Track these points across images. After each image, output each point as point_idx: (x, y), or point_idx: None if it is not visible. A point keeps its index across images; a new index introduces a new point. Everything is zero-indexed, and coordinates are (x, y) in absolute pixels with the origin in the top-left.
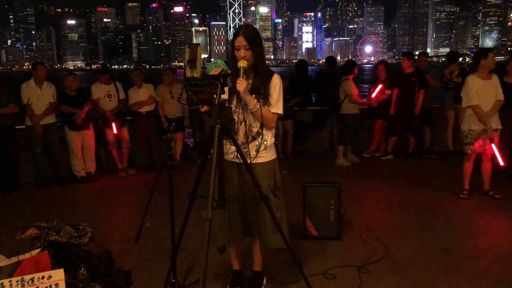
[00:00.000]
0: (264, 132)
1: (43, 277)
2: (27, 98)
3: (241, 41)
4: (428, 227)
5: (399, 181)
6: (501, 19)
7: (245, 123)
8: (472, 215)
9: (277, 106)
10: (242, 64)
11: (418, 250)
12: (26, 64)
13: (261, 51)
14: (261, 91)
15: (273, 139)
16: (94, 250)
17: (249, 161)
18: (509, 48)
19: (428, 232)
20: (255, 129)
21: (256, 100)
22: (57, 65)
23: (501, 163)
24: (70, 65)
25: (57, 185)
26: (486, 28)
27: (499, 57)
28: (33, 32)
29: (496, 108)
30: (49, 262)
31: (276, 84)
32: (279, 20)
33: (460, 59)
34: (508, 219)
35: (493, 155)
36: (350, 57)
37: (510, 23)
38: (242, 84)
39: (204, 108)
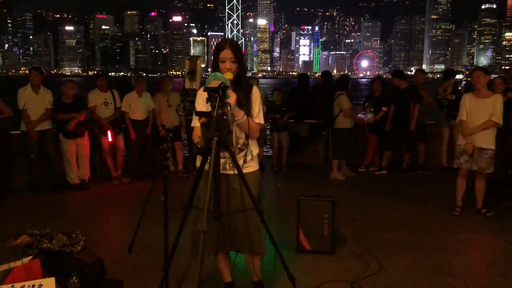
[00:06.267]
0: (249, 142)
1: (33, 285)
2: (23, 103)
3: (227, 53)
4: (421, 243)
5: (393, 196)
6: (495, 38)
7: (233, 135)
8: (464, 232)
9: (259, 116)
10: (228, 76)
11: (410, 267)
12: (22, 68)
13: (244, 64)
14: (243, 103)
15: (257, 149)
16: (86, 259)
17: (235, 172)
18: (503, 67)
19: (421, 248)
20: (241, 140)
21: (243, 111)
22: (54, 71)
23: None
24: (67, 71)
25: (51, 192)
26: (481, 46)
27: (494, 75)
28: (30, 37)
29: (483, 127)
30: (40, 270)
31: (256, 96)
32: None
33: (458, 76)
34: (499, 238)
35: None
36: (346, 71)
37: (505, 42)
38: (233, 96)
39: (201, 120)
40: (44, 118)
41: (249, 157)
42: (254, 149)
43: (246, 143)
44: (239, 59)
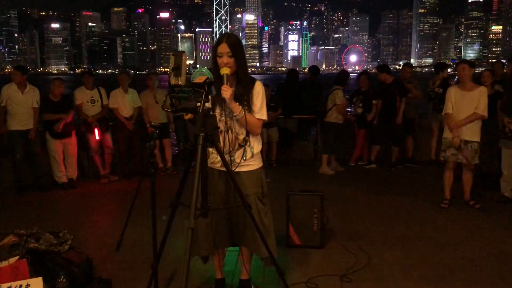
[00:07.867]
0: (250, 139)
1: (21, 286)
2: (4, 100)
3: (224, 48)
4: (409, 236)
5: (382, 190)
6: (482, 31)
7: (231, 131)
8: (452, 224)
9: (261, 112)
10: (225, 71)
11: (399, 259)
12: (8, 67)
13: (243, 59)
14: (244, 98)
15: (260, 146)
16: (74, 258)
17: (235, 169)
18: (490, 60)
19: (410, 241)
20: (241, 137)
21: (241, 107)
22: (40, 69)
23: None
24: (53, 69)
25: (37, 191)
26: (468, 40)
27: (481, 69)
28: (15, 35)
29: (469, 120)
30: (28, 270)
31: (258, 91)
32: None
33: (449, 70)
34: (486, 229)
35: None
36: (335, 66)
37: (491, 35)
38: (227, 91)
39: (188, 116)
40: (37, 120)
41: (249, 155)
42: (256, 146)
43: (246, 140)
44: (236, 54)
